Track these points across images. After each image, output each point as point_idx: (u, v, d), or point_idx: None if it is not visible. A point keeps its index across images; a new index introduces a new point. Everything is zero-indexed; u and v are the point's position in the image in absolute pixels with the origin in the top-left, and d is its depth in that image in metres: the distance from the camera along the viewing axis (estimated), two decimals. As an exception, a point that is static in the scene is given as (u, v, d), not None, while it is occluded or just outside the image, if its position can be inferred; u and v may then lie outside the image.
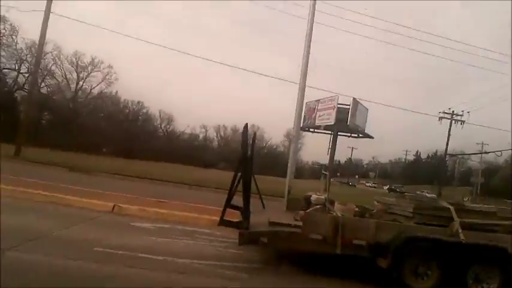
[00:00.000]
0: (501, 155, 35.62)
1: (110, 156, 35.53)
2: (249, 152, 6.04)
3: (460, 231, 5.34)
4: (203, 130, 73.03)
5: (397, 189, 41.10)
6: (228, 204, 6.14)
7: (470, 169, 44.43)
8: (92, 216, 7.62)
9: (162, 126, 68.18)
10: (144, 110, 63.87)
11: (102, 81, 54.49)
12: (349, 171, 74.05)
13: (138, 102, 62.38)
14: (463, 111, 34.63)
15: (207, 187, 18.29)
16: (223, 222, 6.12)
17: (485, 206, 7.00)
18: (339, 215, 6.09)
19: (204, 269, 5.17)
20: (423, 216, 5.86)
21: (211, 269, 5.19)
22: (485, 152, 36.87)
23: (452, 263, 5.17)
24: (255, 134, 6.97)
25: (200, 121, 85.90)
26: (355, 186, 63.29)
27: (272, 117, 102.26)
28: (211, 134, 74.33)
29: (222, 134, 74.03)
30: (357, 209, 7.12)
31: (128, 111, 62.81)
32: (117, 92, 58.41)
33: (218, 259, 5.72)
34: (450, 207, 5.90)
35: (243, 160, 5.79)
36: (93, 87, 55.08)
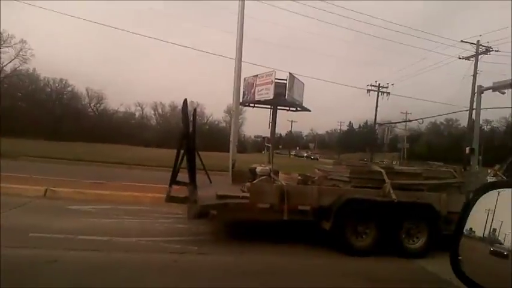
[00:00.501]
0: (422, 122, 39.65)
1: (36, 139, 32.32)
2: (191, 128, 5.92)
3: (391, 191, 5.84)
4: (139, 108, 69.55)
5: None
6: (174, 180, 6.02)
7: (397, 136, 48.67)
8: (22, 202, 6.95)
9: (92, 105, 63.53)
10: (69, 89, 58.79)
11: (15, 57, 48.61)
12: (291, 143, 76.61)
13: (61, 80, 57.08)
14: (387, 83, 37.53)
15: (147, 166, 17.71)
16: (170, 199, 6.00)
17: (412, 168, 7.73)
18: (284, 183, 6.29)
19: (152, 245, 5.06)
20: (359, 180, 6.29)
21: (160, 244, 5.10)
22: (409, 120, 40.65)
23: (387, 221, 5.66)
24: (195, 110, 6.82)
25: (135, 99, 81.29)
26: (317, 159, 54.53)
27: (212, 94, 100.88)
28: (149, 111, 71.16)
29: (160, 111, 71.19)
30: (299, 178, 7.44)
31: (49, 89, 57.33)
32: (34, 69, 52.79)
33: (166, 235, 5.63)
34: (382, 170, 6.40)
35: (185, 136, 5.66)
36: (5, 65, 49.20)
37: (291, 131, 72.71)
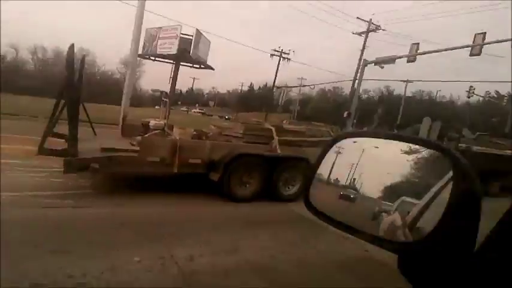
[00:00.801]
0: (313, 88, 43.30)
1: None
2: (76, 76, 5.29)
3: (277, 146, 6.45)
4: (12, 50, 58.03)
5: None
6: (50, 131, 5.38)
7: (291, 99, 52.22)
8: None
9: None
10: None
11: None
12: (191, 100, 74.99)
13: None
14: (289, 50, 39.70)
15: (21, 116, 15.33)
16: (43, 151, 5.36)
17: (298, 126, 8.49)
18: (177, 138, 6.25)
19: (19, 200, 4.51)
20: (251, 136, 6.75)
21: (29, 199, 4.59)
22: (303, 86, 44.10)
23: (270, 172, 6.24)
24: (83, 57, 6.00)
25: (7, 39, 67.74)
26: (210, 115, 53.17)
27: (105, 42, 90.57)
28: (26, 55, 60.07)
29: (39, 56, 60.77)
30: (194, 133, 7.47)
31: None
32: None
33: (37, 189, 5.07)
34: (272, 128, 6.94)
35: (69, 84, 5.03)
36: None
37: (192, 88, 71.03)
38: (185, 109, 58.31)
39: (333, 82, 49.94)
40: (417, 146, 0.70)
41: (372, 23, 28.00)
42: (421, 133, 11.78)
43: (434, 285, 0.60)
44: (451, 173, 0.58)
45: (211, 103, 77.19)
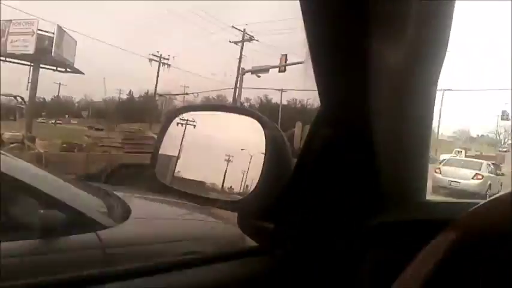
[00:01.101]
0: (197, 95, 43.62)
1: None
2: None
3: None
4: None
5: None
6: None
7: (175, 107, 51.79)
8: None
9: None
10: None
11: None
12: (59, 110, 66.10)
13: None
14: (169, 55, 38.70)
15: None
16: None
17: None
18: (42, 151, 5.54)
19: None
20: (132, 146, 6.36)
21: None
22: (186, 94, 43.92)
23: None
24: None
25: None
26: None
27: None
28: None
29: None
30: (64, 145, 6.75)
31: None
32: None
33: None
34: (154, 135, 6.68)
35: None
36: None
37: (58, 95, 62.80)
38: (43, 121, 47.11)
39: (216, 90, 51.27)
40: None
41: (246, 33, 29.54)
42: (296, 135, 13.11)
43: (264, 229, 0.68)
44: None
45: (84, 113, 69.39)
